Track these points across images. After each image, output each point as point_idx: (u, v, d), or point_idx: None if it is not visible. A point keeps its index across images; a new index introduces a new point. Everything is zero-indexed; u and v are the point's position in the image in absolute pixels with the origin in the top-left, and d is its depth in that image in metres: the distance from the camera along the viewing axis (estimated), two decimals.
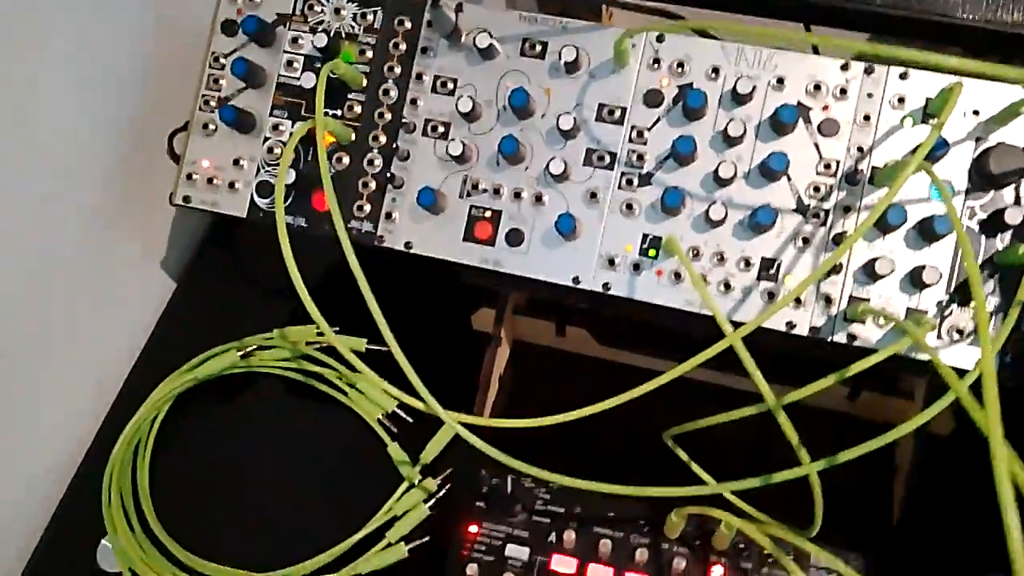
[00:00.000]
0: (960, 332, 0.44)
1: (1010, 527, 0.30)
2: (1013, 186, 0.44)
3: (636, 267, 0.47)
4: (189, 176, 0.53)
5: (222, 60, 0.53)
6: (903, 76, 0.46)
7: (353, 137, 0.51)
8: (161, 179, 0.56)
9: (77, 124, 0.55)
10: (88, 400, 0.60)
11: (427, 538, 0.53)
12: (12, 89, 0.49)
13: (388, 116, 0.50)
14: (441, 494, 0.55)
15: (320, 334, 0.61)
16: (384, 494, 0.55)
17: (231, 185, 0.52)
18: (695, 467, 0.48)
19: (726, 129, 0.46)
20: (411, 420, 0.58)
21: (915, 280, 0.44)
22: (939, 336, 0.45)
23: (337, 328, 0.61)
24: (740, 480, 0.43)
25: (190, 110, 0.53)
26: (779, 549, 0.46)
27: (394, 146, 0.50)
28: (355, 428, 0.58)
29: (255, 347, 0.60)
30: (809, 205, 0.46)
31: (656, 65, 0.48)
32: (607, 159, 0.48)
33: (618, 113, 0.48)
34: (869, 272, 0.45)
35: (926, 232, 0.44)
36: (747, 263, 0.46)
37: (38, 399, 0.56)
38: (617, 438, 0.56)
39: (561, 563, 0.47)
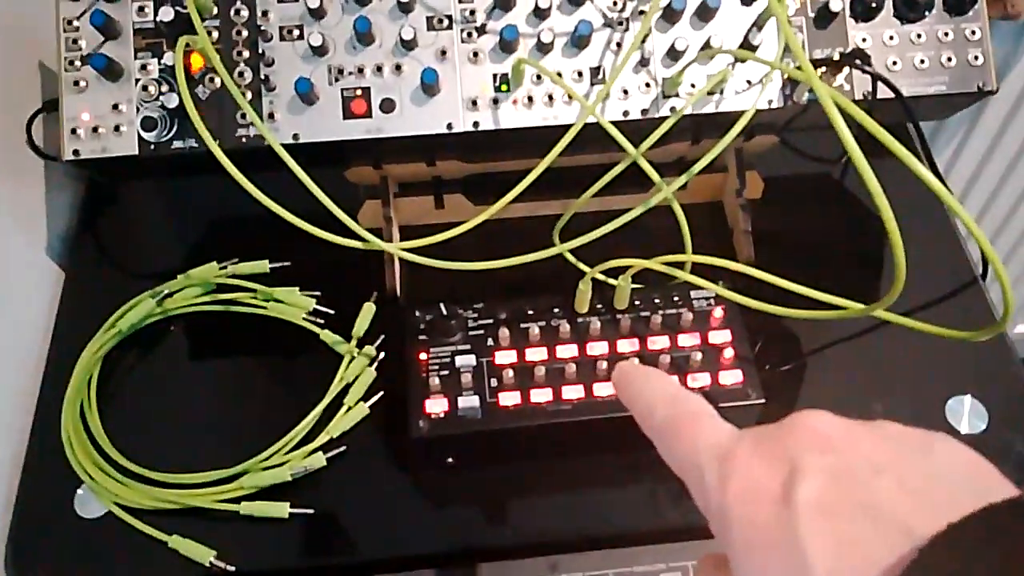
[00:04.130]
0: (748, 82, 0.57)
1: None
2: None
3: (495, 102, 0.57)
4: (73, 131, 0.56)
5: (75, 23, 0.56)
6: None
7: (219, 57, 0.56)
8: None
9: None
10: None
11: (382, 392, 0.60)
12: None
13: (245, 32, 0.57)
14: (381, 356, 0.61)
15: (223, 268, 0.66)
16: (330, 376, 0.61)
17: (116, 128, 0.56)
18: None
19: None
20: (332, 312, 0.64)
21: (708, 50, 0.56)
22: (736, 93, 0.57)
23: (237, 259, 0.67)
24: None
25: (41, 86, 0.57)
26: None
27: (260, 51, 0.56)
28: (284, 333, 0.64)
29: (167, 292, 0.64)
30: (613, 18, 0.57)
31: None
32: (445, 21, 0.57)
33: None
34: (672, 55, 0.56)
35: (704, 11, 0.56)
36: (580, 75, 0.57)
37: None
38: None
39: (504, 357, 0.56)
